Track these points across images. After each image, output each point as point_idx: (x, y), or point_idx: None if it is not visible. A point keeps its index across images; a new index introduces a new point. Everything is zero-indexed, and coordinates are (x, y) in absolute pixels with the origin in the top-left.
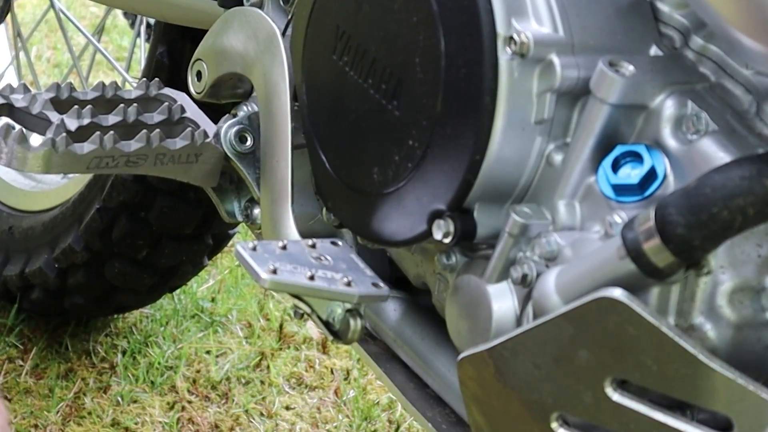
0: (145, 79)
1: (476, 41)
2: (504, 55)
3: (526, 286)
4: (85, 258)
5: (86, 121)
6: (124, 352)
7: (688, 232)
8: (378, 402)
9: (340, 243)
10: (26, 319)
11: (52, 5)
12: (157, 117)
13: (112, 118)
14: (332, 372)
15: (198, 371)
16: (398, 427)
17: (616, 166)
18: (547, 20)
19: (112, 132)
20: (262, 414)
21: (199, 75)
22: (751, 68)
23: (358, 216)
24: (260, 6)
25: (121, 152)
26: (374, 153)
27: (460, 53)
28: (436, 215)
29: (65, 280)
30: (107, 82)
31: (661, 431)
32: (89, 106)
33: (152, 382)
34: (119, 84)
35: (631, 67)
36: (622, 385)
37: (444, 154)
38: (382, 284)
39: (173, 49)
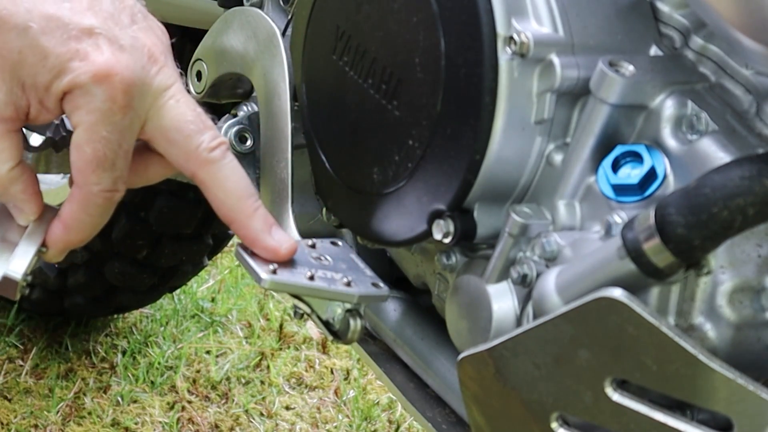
0: None
1: (476, 41)
2: (504, 55)
3: (526, 286)
4: (85, 258)
5: None
6: (124, 352)
7: (688, 232)
8: (378, 402)
9: (340, 243)
10: (26, 319)
11: None
12: None
13: None
14: (332, 372)
15: (198, 371)
16: (398, 427)
17: (616, 166)
18: (547, 20)
19: None
20: (262, 414)
21: (199, 75)
22: (751, 68)
23: (358, 216)
24: (260, 6)
25: None
26: (374, 153)
27: (460, 53)
28: (436, 215)
29: (65, 280)
30: None
31: (661, 431)
32: None
33: (152, 382)
34: None
35: (631, 67)
36: (622, 385)
37: (444, 154)
38: (382, 284)
39: (173, 49)
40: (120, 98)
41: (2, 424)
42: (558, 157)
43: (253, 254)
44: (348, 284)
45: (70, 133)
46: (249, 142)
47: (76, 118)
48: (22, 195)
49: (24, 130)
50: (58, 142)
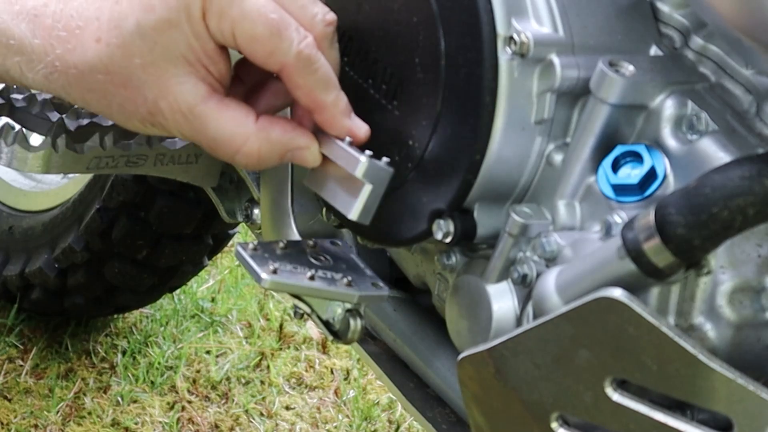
0: None
1: (476, 41)
2: (504, 55)
3: (526, 286)
4: (85, 258)
5: (86, 121)
6: (124, 352)
7: (688, 232)
8: (378, 402)
9: (340, 243)
10: (26, 319)
11: None
12: None
13: None
14: (332, 372)
15: (198, 371)
16: (398, 427)
17: (616, 166)
18: (547, 20)
19: (111, 132)
20: (262, 414)
21: None
22: (751, 68)
23: None
24: None
25: (121, 152)
26: (374, 153)
27: (460, 53)
28: (436, 215)
29: (65, 280)
30: None
31: (661, 431)
32: None
33: (152, 382)
34: None
35: (631, 67)
36: (622, 385)
37: (444, 154)
38: (382, 284)
39: None
40: None
41: (2, 424)
42: (558, 157)
43: (253, 254)
44: (348, 284)
45: (70, 132)
46: None
47: (227, 20)
48: (285, 136)
49: (24, 130)
50: (58, 143)
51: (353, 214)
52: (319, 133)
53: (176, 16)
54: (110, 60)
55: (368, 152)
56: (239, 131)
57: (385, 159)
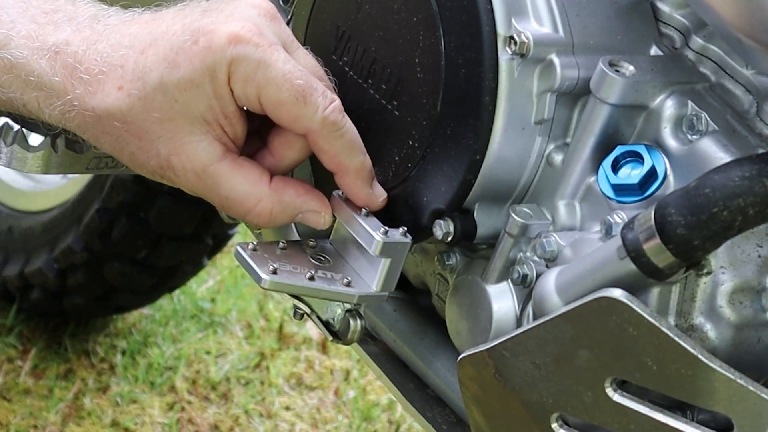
0: None
1: (476, 41)
2: (504, 55)
3: (526, 286)
4: (85, 258)
5: None
6: (123, 353)
7: (688, 232)
8: (378, 402)
9: None
10: (26, 320)
11: None
12: None
13: None
14: (332, 372)
15: (197, 372)
16: (398, 428)
17: (616, 166)
18: (547, 20)
19: None
20: (261, 414)
21: None
22: (751, 68)
23: None
24: None
25: None
26: (374, 153)
27: (460, 53)
28: (436, 215)
29: (65, 280)
30: None
31: (661, 431)
32: None
33: (152, 383)
34: None
35: (631, 67)
36: (622, 386)
37: (444, 154)
38: None
39: None
40: (262, 40)
41: (2, 424)
42: (558, 157)
43: (253, 254)
44: (348, 284)
45: (69, 132)
46: None
47: (252, 85)
48: (297, 198)
49: (23, 130)
50: (58, 143)
51: (375, 287)
52: (336, 201)
53: (200, 77)
54: (129, 110)
55: (383, 228)
56: (252, 192)
57: (401, 229)
